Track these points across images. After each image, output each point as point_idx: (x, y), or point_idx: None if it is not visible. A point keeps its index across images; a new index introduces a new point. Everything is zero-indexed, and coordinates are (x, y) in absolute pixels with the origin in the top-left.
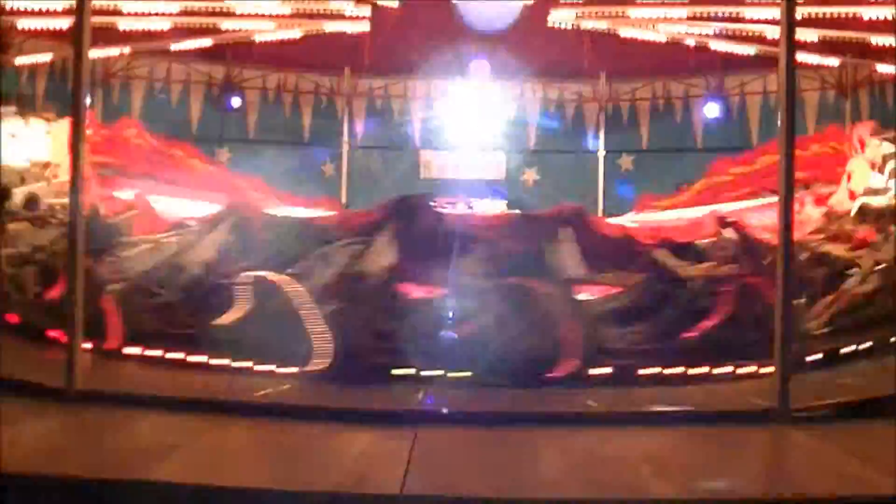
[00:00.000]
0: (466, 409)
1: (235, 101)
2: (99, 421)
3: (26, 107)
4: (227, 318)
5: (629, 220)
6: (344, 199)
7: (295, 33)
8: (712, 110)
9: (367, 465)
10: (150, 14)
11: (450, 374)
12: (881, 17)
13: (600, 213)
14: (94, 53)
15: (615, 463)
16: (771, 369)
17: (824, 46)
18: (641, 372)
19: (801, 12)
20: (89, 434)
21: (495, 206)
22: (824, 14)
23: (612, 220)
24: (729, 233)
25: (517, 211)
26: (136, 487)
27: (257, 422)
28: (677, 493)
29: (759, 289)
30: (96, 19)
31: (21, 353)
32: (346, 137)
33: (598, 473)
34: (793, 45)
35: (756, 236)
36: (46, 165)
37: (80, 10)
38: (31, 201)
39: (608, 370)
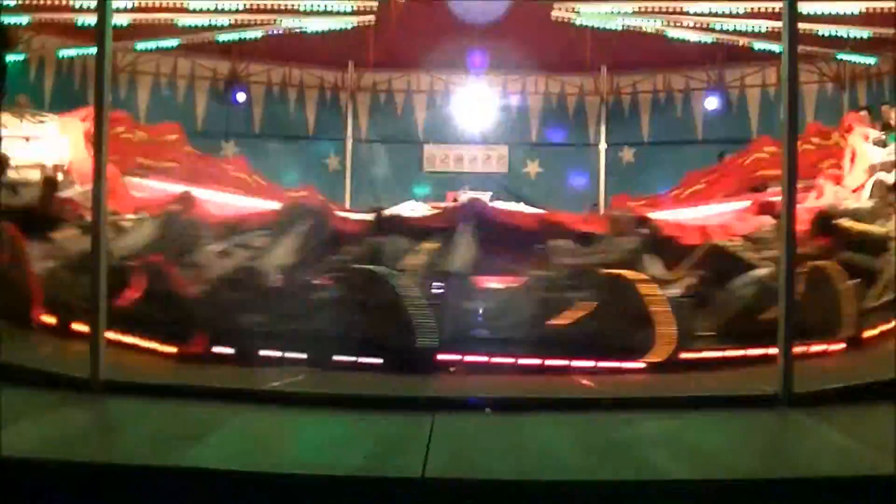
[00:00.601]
0: (480, 395)
1: (240, 96)
2: (124, 410)
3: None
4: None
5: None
6: (348, 193)
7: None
8: (712, 103)
9: (388, 449)
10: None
11: None
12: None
13: (602, 205)
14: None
15: (628, 446)
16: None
17: (824, 40)
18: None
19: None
20: (114, 422)
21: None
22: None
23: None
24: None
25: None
26: (162, 473)
27: (278, 410)
28: (689, 473)
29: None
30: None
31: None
32: (350, 131)
33: (612, 456)
34: (796, 41)
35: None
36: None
37: (102, 7)
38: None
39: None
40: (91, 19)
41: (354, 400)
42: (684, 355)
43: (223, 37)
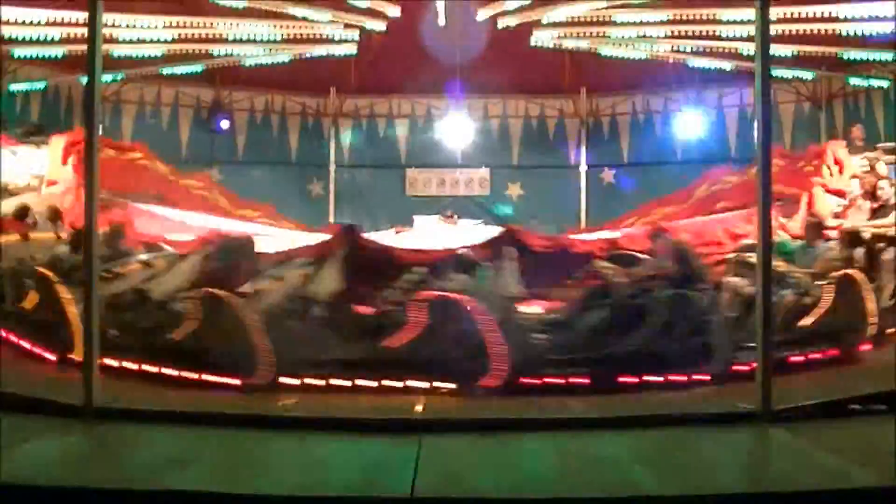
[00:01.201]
0: (466, 416)
1: (224, 123)
2: (116, 436)
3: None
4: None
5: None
6: (332, 218)
7: (284, 57)
8: (691, 123)
9: (377, 470)
10: (142, 42)
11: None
12: (853, 33)
13: (583, 227)
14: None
15: (609, 463)
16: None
17: (799, 61)
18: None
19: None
20: (107, 448)
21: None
22: (799, 31)
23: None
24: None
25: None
26: (153, 497)
27: (268, 433)
28: (668, 490)
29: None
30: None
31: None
32: (332, 157)
33: (594, 473)
34: (768, 61)
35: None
36: (45, 182)
37: (91, 39)
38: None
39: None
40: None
41: (343, 423)
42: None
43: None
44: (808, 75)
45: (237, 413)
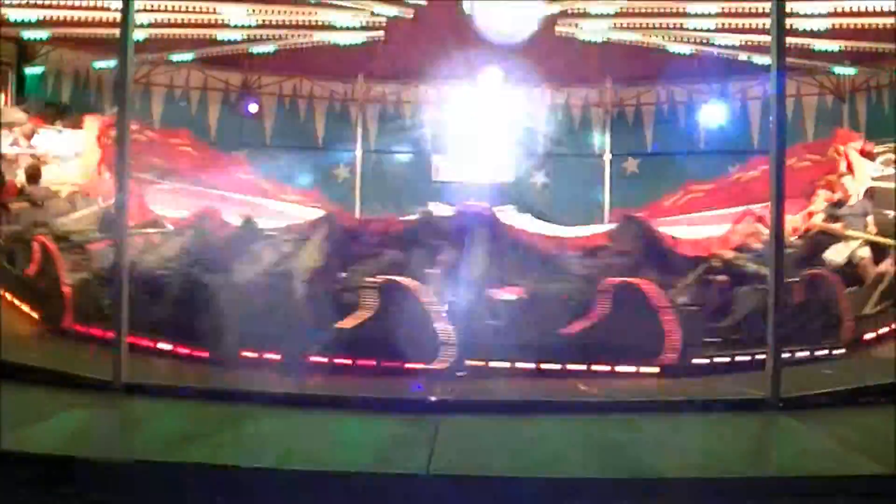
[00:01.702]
0: (482, 398)
1: (252, 108)
2: (144, 410)
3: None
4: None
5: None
6: (358, 203)
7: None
8: (715, 114)
9: (394, 448)
10: (173, 24)
11: None
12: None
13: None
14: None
15: (621, 446)
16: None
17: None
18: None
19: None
20: (134, 421)
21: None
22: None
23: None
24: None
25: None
26: (175, 469)
27: (289, 411)
28: (678, 472)
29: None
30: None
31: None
32: (359, 142)
33: (606, 455)
34: (784, 57)
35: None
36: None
37: (125, 22)
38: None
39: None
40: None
41: (363, 402)
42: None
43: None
44: (850, 71)
45: (260, 391)
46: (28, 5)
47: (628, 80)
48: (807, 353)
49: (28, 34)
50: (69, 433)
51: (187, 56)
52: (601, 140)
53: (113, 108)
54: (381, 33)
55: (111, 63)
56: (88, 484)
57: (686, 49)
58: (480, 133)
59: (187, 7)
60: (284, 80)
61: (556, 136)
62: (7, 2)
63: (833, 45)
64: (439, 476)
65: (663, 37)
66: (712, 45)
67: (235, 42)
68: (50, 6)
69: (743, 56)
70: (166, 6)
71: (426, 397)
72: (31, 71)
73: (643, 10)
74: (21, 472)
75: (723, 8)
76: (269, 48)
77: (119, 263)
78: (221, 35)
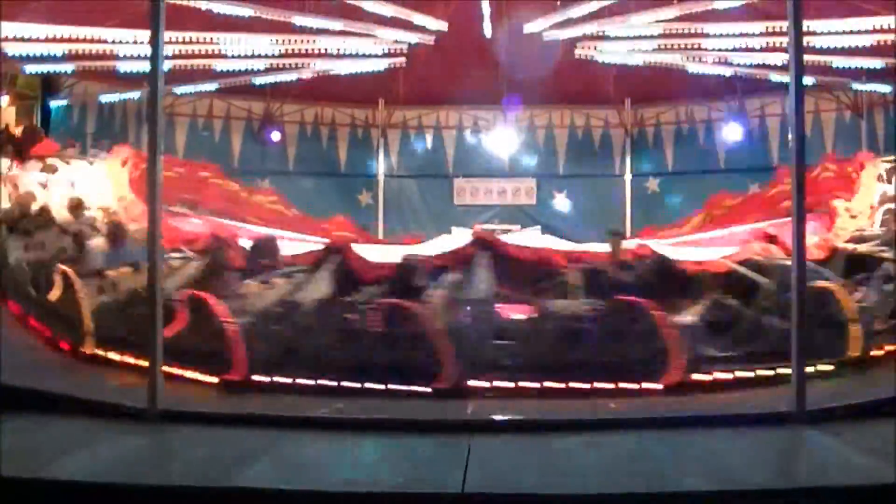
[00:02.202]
0: (513, 418)
1: (275, 135)
2: (180, 437)
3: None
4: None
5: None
6: (381, 226)
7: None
8: (734, 132)
9: (428, 468)
10: (193, 55)
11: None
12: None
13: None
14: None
15: (651, 461)
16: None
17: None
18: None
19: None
20: (171, 448)
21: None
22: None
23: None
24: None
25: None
26: (216, 493)
27: (324, 435)
28: (706, 486)
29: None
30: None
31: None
32: (381, 167)
33: (634, 471)
34: (801, 71)
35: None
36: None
37: (154, 56)
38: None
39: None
40: (130, 67)
41: (395, 424)
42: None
43: (259, 80)
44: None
45: (294, 415)
46: (53, 39)
47: (648, 100)
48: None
49: (52, 67)
50: (110, 461)
51: (211, 87)
52: (622, 160)
53: (138, 140)
54: (402, 60)
55: (135, 95)
56: None
57: (705, 69)
58: (501, 156)
59: (207, 38)
60: (306, 107)
61: (577, 157)
62: (32, 37)
63: (851, 62)
64: (474, 494)
65: (682, 57)
66: (730, 64)
67: (258, 72)
68: (74, 40)
69: (761, 74)
70: (186, 37)
71: (455, 418)
72: (55, 103)
73: (661, 32)
74: (65, 501)
75: (741, 29)
76: (291, 77)
77: (153, 290)
78: (243, 66)
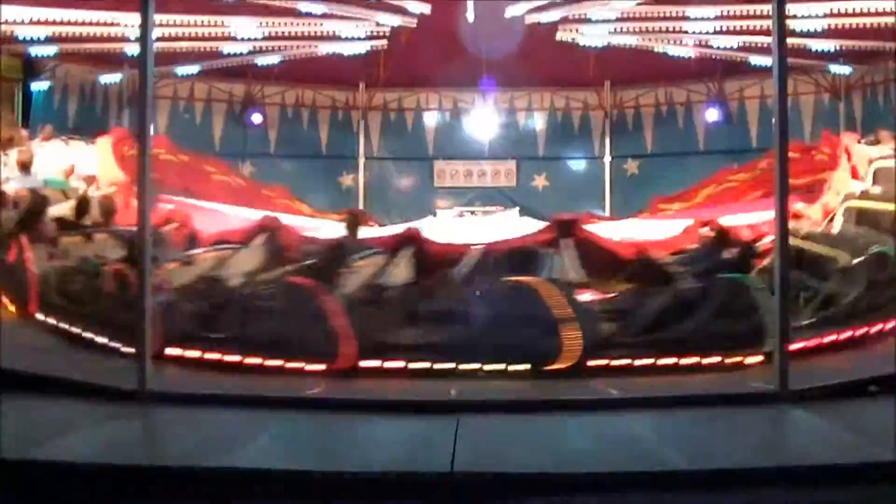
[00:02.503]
0: (500, 398)
1: (256, 118)
2: (171, 418)
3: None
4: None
5: (621, 231)
6: (361, 207)
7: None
8: (713, 115)
9: (418, 448)
10: (178, 38)
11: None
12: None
13: (608, 216)
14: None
15: (636, 441)
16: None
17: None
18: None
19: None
20: (162, 429)
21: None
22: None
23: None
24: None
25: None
26: (210, 473)
27: (311, 414)
28: (693, 464)
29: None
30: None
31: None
32: (362, 149)
33: (623, 450)
34: (784, 54)
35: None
36: (91, 180)
37: (143, 37)
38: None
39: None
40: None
41: (384, 404)
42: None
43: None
44: (845, 70)
45: (283, 396)
46: (36, 22)
47: (627, 82)
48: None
49: (35, 50)
50: (101, 442)
51: (193, 69)
52: (601, 142)
53: (119, 123)
54: (384, 42)
55: (117, 77)
56: (128, 491)
57: (684, 51)
58: (482, 138)
59: (192, 21)
60: (287, 89)
61: (557, 140)
62: (14, 19)
63: (829, 45)
64: (463, 473)
65: (662, 40)
66: (710, 47)
67: (241, 55)
68: (57, 23)
69: (741, 57)
70: (171, 20)
71: (443, 398)
72: (37, 86)
73: (642, 15)
74: (60, 483)
75: (721, 11)
76: (273, 59)
77: (142, 277)
78: (227, 48)
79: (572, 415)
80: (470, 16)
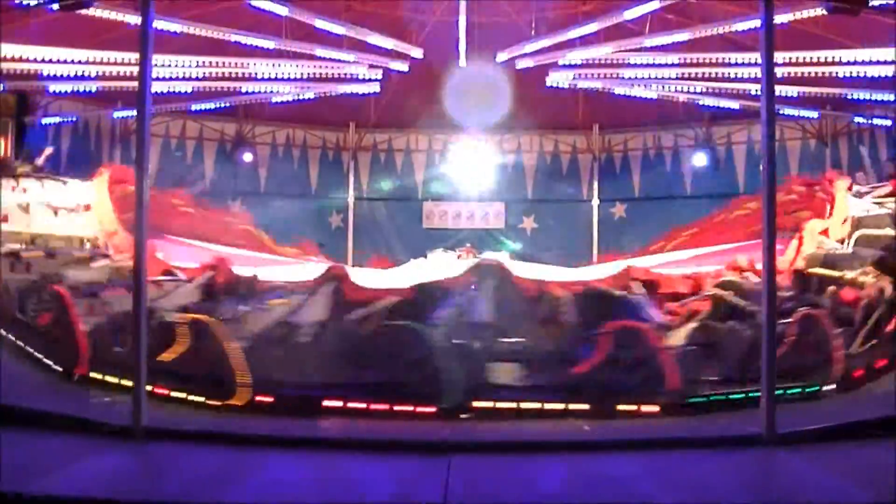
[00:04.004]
0: (491, 438)
1: (247, 156)
2: (165, 454)
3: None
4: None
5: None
6: (350, 248)
7: (310, 95)
8: (700, 159)
9: (411, 485)
10: (173, 78)
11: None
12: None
13: (595, 259)
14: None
15: (621, 480)
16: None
17: (805, 101)
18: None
19: (783, 71)
20: (158, 465)
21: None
22: (804, 73)
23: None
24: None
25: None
26: None
27: (307, 453)
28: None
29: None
30: (123, 83)
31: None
32: (351, 189)
33: (609, 490)
34: (773, 101)
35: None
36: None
37: (142, 75)
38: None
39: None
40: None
41: (377, 444)
42: None
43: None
44: (812, 114)
45: (278, 435)
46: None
47: (615, 126)
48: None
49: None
50: (96, 477)
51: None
52: (589, 185)
53: (111, 159)
54: (376, 85)
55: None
56: None
57: (672, 96)
58: (471, 180)
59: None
60: (278, 129)
61: (546, 182)
62: (10, 55)
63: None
64: None
65: (650, 86)
66: (698, 93)
67: (239, 94)
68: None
69: (728, 103)
70: (167, 61)
71: (438, 437)
72: (30, 122)
73: (630, 62)
74: None
75: (711, 58)
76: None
77: (138, 311)
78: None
79: (560, 455)
80: (462, 62)
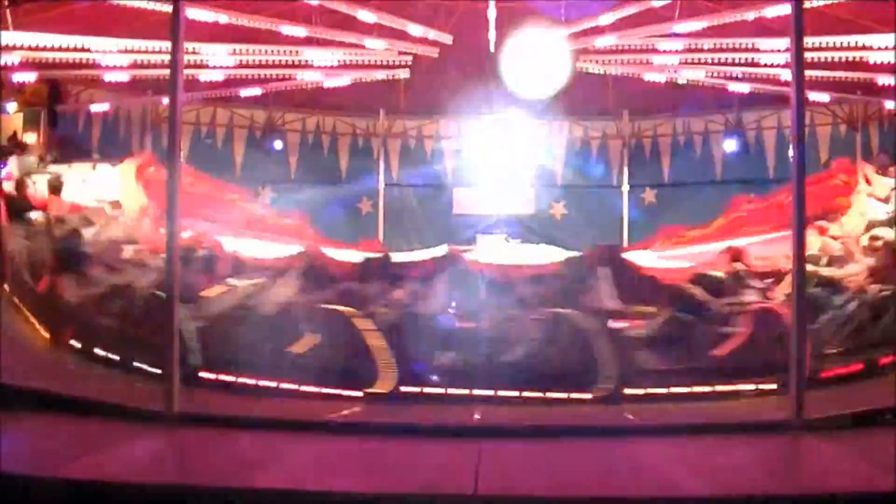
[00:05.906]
0: (522, 423)
1: (277, 144)
2: (199, 439)
3: (83, 153)
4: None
5: (655, 258)
6: (381, 236)
7: (343, 81)
8: (730, 145)
9: (441, 471)
10: (204, 66)
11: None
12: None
13: (625, 245)
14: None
15: (654, 467)
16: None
17: (835, 85)
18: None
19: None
20: (191, 449)
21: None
22: (833, 58)
23: (640, 257)
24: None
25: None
26: (237, 494)
27: (338, 438)
28: (708, 491)
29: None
30: (153, 71)
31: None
32: (381, 176)
33: (641, 475)
34: (802, 86)
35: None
36: (116, 205)
37: (174, 63)
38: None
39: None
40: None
41: (408, 428)
42: None
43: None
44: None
45: (308, 419)
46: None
47: (645, 111)
48: None
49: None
50: (131, 462)
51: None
52: (619, 171)
53: (142, 148)
54: (406, 71)
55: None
56: None
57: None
58: (501, 166)
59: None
60: (307, 116)
61: (575, 168)
62: (41, 45)
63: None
64: (485, 496)
65: (680, 71)
66: (728, 78)
67: (270, 80)
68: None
69: (759, 88)
70: (195, 48)
71: (465, 423)
72: (62, 111)
73: (660, 48)
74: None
75: (738, 44)
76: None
77: (170, 300)
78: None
79: (592, 440)
80: (492, 47)
